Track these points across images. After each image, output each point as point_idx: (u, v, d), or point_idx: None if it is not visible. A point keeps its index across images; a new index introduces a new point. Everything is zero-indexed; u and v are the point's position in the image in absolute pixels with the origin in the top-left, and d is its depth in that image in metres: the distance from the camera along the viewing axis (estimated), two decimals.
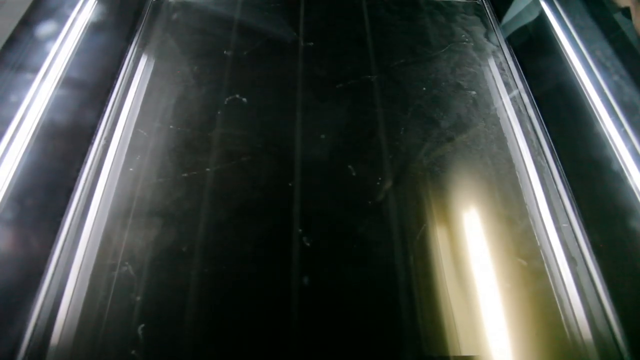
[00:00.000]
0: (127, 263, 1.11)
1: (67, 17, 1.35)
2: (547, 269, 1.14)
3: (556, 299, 1.09)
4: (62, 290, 1.04)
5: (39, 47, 1.20)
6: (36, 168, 1.06)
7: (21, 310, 0.92)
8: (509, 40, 1.65)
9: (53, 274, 1.03)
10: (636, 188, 1.06)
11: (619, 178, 1.10)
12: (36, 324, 0.96)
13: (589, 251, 1.12)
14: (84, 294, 1.06)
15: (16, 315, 0.92)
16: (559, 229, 1.19)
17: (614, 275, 1.06)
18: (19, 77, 1.11)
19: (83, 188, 1.21)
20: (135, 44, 1.59)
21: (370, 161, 1.34)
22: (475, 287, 1.11)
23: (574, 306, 1.07)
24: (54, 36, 1.26)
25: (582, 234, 1.16)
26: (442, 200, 1.27)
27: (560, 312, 1.07)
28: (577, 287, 1.09)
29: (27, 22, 1.17)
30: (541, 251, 1.17)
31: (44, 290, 1.00)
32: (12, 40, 1.13)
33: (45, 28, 1.25)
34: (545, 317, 1.07)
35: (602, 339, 1.02)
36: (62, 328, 1.00)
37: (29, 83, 1.13)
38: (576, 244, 1.16)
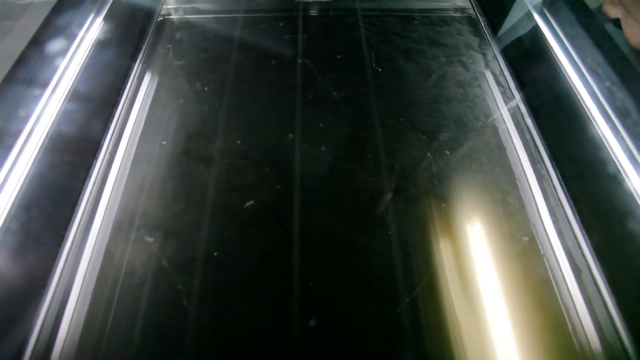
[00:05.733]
0: (129, 276, 1.11)
1: (76, 35, 1.39)
2: (551, 278, 1.13)
3: (562, 309, 1.07)
4: (64, 303, 1.05)
5: (48, 63, 1.24)
6: (43, 181, 1.08)
7: (24, 322, 0.92)
8: (505, 52, 1.68)
9: (56, 286, 1.03)
10: (635, 191, 1.06)
11: (617, 181, 1.10)
12: (39, 336, 0.95)
13: (593, 258, 1.11)
14: (86, 307, 1.06)
15: (19, 326, 0.91)
16: (561, 237, 1.19)
17: (619, 281, 1.05)
18: (29, 91, 1.15)
19: (87, 201, 1.22)
20: (140, 61, 1.64)
21: (370, 174, 1.35)
22: (481, 299, 1.10)
23: (580, 315, 1.06)
24: (62, 53, 1.30)
25: (585, 241, 1.15)
26: (444, 212, 1.27)
27: (568, 322, 1.05)
28: (583, 296, 1.08)
29: (37, 41, 1.22)
30: (545, 260, 1.16)
31: (47, 302, 0.99)
32: (23, 59, 1.17)
33: (54, 45, 1.30)
34: (553, 328, 1.05)
35: (610, 348, 1.00)
36: (64, 341, 1.00)
37: (38, 97, 1.16)
38: (579, 251, 1.15)
